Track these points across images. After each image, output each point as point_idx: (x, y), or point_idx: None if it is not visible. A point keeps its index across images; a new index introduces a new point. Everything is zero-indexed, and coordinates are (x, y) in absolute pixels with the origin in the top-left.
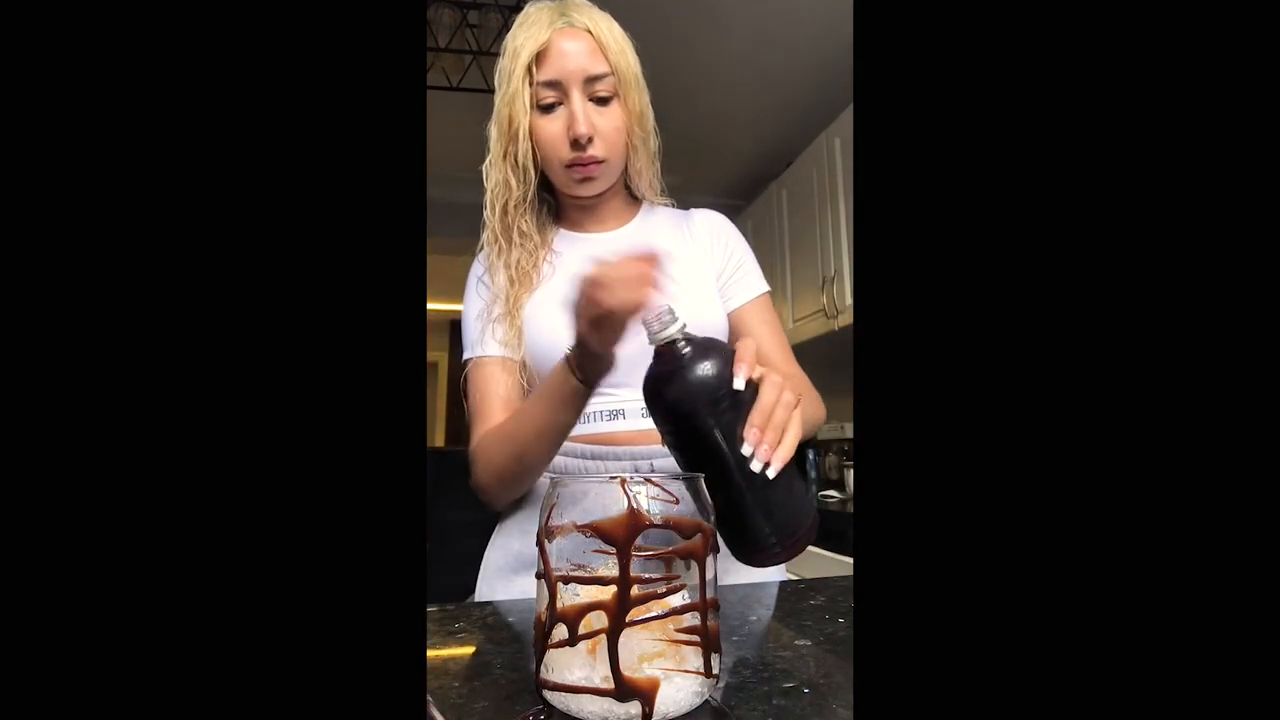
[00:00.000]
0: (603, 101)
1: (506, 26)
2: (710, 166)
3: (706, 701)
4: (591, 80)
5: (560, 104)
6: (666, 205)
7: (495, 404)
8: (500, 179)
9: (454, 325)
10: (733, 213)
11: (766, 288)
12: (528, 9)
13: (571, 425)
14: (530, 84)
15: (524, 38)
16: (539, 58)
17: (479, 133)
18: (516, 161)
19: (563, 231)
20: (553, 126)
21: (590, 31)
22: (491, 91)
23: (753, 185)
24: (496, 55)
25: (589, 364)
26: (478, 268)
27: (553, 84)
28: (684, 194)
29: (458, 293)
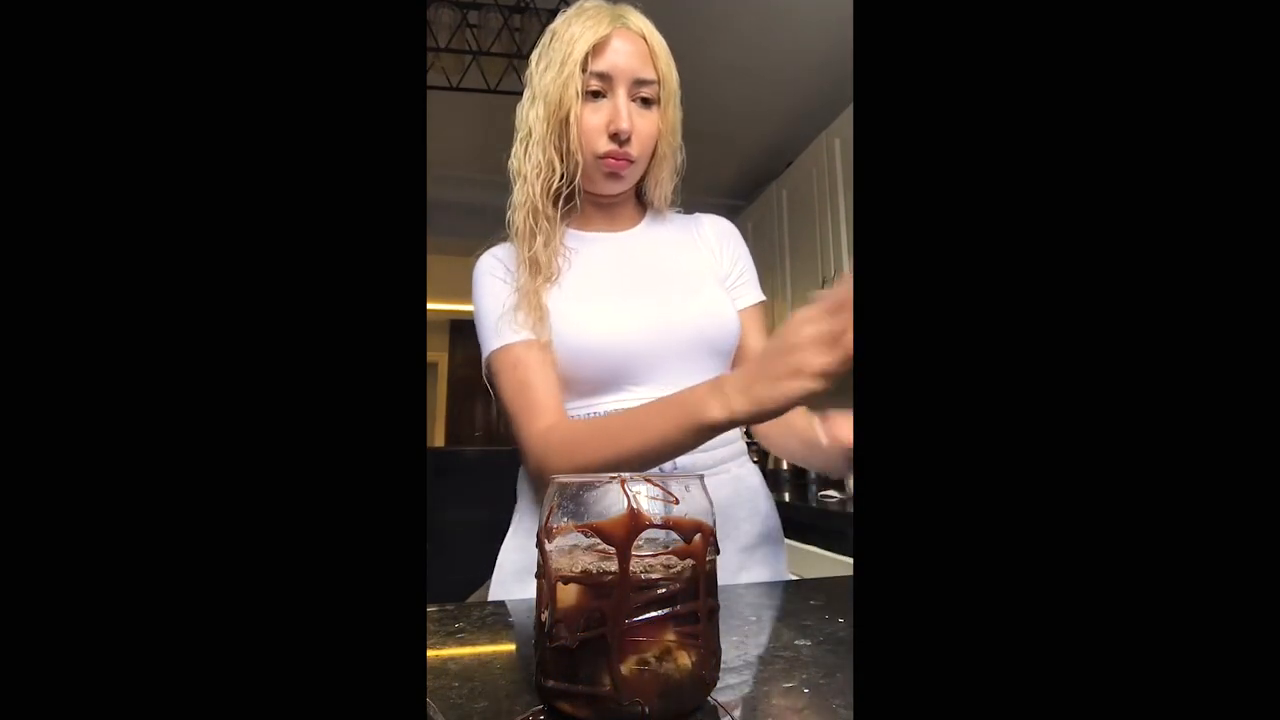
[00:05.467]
0: (644, 104)
1: (506, 26)
2: (710, 166)
3: (706, 701)
4: (639, 83)
5: (604, 96)
6: (673, 211)
7: (541, 388)
8: (544, 159)
9: (454, 325)
10: (733, 213)
11: (764, 298)
12: (584, 3)
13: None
14: (583, 71)
15: (582, 28)
16: (594, 49)
17: (479, 133)
18: (561, 145)
19: (570, 230)
20: (594, 118)
21: (645, 37)
22: (491, 92)
23: (753, 185)
24: (496, 55)
25: (757, 417)
26: (487, 262)
27: (603, 76)
28: (684, 194)
29: (458, 293)
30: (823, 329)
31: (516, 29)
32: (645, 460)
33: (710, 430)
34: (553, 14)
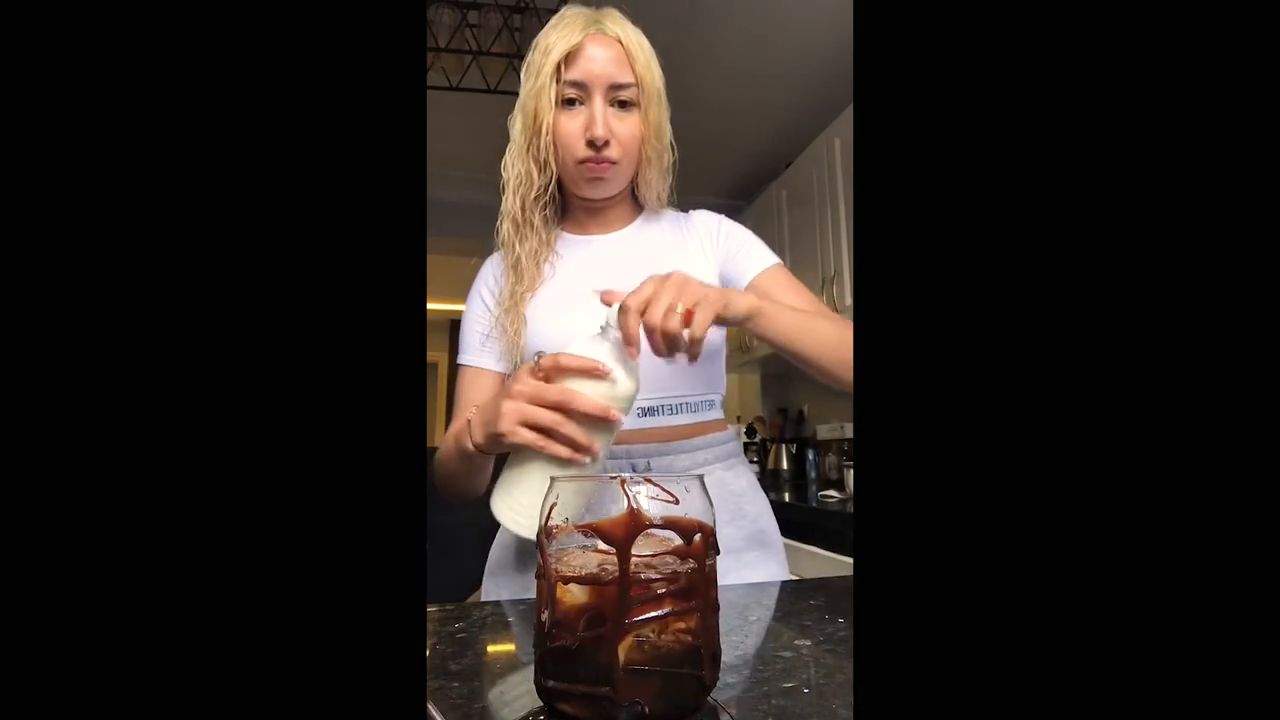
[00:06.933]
0: (623, 107)
1: (506, 26)
2: (710, 167)
3: (706, 701)
4: (615, 88)
5: (581, 103)
6: (669, 210)
7: (464, 411)
8: (523, 170)
9: (454, 325)
10: (733, 213)
11: (777, 259)
12: (564, 10)
13: (471, 476)
14: (557, 81)
15: (556, 37)
16: (568, 58)
17: (479, 133)
18: (538, 154)
19: (565, 234)
20: (572, 124)
21: (620, 41)
22: (491, 92)
23: (753, 185)
24: (496, 55)
25: (492, 447)
26: (482, 272)
27: (577, 84)
28: (684, 194)
29: (458, 293)
30: (525, 390)
31: (516, 29)
32: (457, 482)
33: (473, 456)
34: (552, 14)
